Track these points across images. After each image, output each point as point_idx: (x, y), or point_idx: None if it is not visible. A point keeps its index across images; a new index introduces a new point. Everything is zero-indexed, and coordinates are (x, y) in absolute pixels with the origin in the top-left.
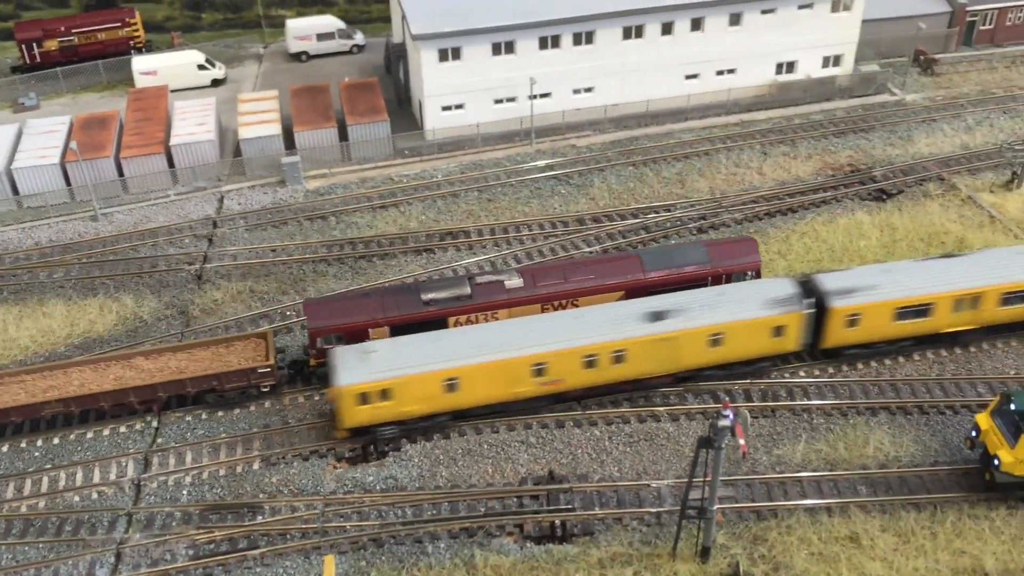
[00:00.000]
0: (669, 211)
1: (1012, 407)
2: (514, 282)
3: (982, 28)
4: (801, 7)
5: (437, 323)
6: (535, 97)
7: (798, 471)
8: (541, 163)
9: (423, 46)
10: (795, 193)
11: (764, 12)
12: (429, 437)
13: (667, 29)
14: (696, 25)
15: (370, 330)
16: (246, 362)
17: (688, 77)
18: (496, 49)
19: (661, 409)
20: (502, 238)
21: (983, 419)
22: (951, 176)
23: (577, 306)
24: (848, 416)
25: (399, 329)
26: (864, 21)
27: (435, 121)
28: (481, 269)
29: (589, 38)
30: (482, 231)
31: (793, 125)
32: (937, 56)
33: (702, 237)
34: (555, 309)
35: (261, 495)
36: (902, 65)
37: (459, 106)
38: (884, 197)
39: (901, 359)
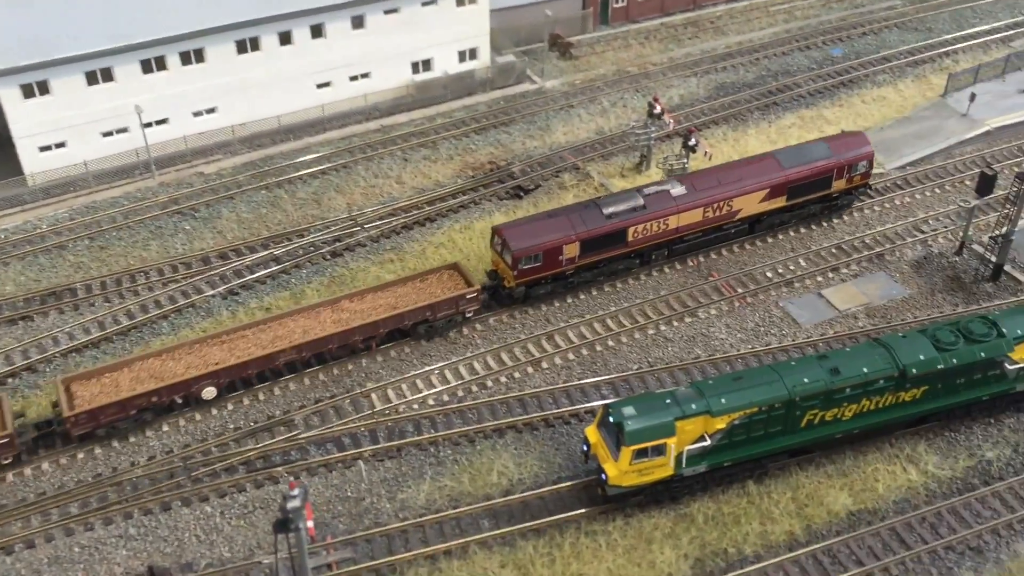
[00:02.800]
0: (302, 236)
1: (611, 419)
2: (678, 190)
3: (616, 6)
4: (425, 3)
5: (618, 234)
6: (149, 125)
7: (421, 515)
8: (164, 197)
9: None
10: (434, 200)
11: (388, 12)
12: (9, 550)
13: (286, 39)
14: (317, 32)
15: (564, 246)
16: (450, 291)
17: (320, 86)
18: (91, 78)
19: (280, 468)
20: (114, 291)
21: (591, 432)
22: (586, 164)
23: (732, 208)
24: (476, 442)
25: (587, 244)
26: (499, 10)
27: (34, 164)
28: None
29: (199, 56)
30: (91, 286)
31: (435, 125)
32: (572, 39)
33: (337, 261)
34: (714, 212)
35: None
36: (541, 51)
37: (60, 144)
38: (521, 194)
39: (530, 370)
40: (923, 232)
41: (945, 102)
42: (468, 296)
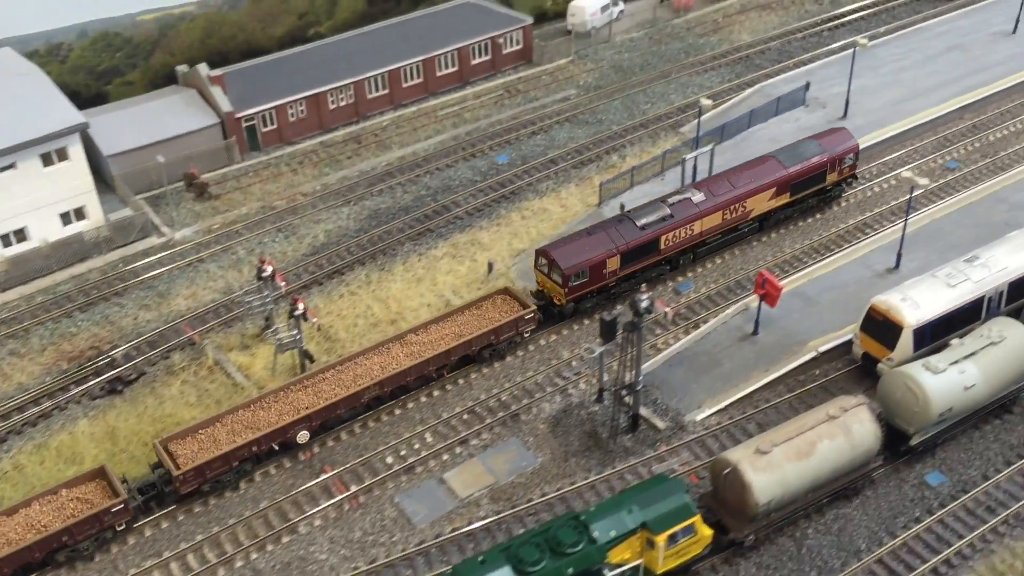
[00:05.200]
0: None
1: None
2: (698, 197)
3: (266, 130)
4: (1, 170)
5: (652, 244)
6: None
7: None
8: None
9: None
10: (10, 412)
11: None
12: None
13: None
14: None
15: (607, 260)
16: (508, 315)
17: None
18: None
19: None
20: None
21: None
22: (203, 337)
23: (746, 208)
24: None
25: (626, 256)
26: (119, 154)
27: None
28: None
29: None
30: None
31: (33, 306)
32: (213, 174)
33: None
34: (731, 214)
35: None
36: (178, 194)
37: None
38: (120, 387)
39: None
40: (564, 379)
41: (601, 212)
42: (526, 317)
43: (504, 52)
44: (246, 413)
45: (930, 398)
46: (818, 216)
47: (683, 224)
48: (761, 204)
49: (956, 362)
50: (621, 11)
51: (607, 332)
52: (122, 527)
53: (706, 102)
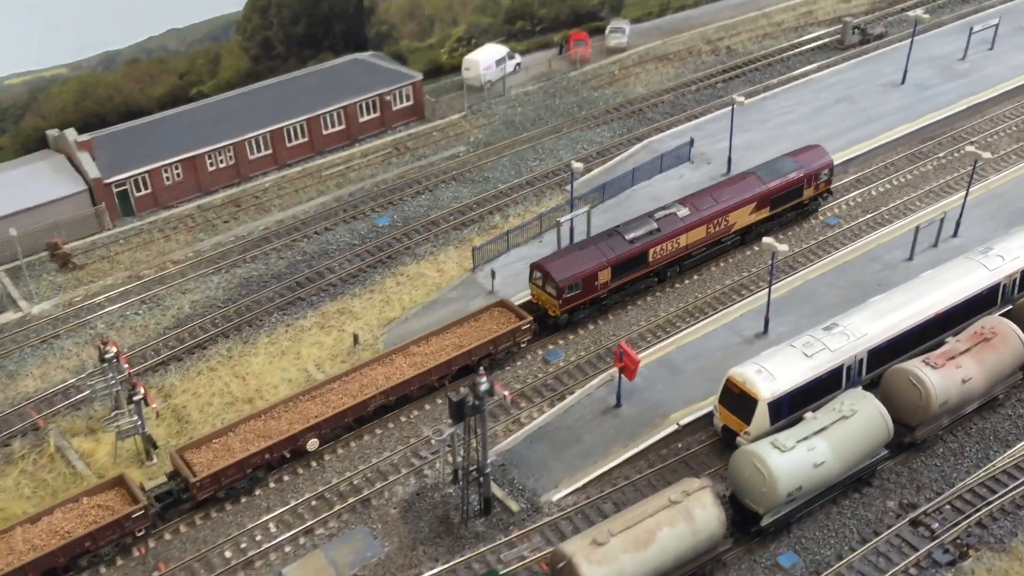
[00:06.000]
0: None
1: None
2: (683, 211)
3: (139, 195)
4: None
5: (641, 257)
6: None
7: None
8: None
9: None
10: None
11: None
12: None
13: None
14: None
15: (599, 272)
16: (505, 326)
17: None
18: None
19: None
20: None
21: None
22: (49, 421)
23: (728, 222)
24: None
25: (616, 268)
26: None
27: None
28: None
29: None
30: None
31: None
32: (80, 242)
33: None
34: (715, 228)
35: None
36: (41, 265)
37: None
38: None
39: None
40: (421, 459)
41: (475, 278)
42: (523, 328)
43: (394, 108)
44: (258, 423)
45: (777, 478)
46: (695, 277)
47: (669, 237)
48: (743, 218)
49: (805, 438)
50: (518, 64)
51: (455, 413)
52: (142, 533)
53: (577, 165)
